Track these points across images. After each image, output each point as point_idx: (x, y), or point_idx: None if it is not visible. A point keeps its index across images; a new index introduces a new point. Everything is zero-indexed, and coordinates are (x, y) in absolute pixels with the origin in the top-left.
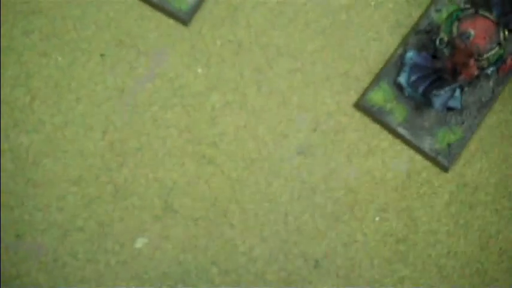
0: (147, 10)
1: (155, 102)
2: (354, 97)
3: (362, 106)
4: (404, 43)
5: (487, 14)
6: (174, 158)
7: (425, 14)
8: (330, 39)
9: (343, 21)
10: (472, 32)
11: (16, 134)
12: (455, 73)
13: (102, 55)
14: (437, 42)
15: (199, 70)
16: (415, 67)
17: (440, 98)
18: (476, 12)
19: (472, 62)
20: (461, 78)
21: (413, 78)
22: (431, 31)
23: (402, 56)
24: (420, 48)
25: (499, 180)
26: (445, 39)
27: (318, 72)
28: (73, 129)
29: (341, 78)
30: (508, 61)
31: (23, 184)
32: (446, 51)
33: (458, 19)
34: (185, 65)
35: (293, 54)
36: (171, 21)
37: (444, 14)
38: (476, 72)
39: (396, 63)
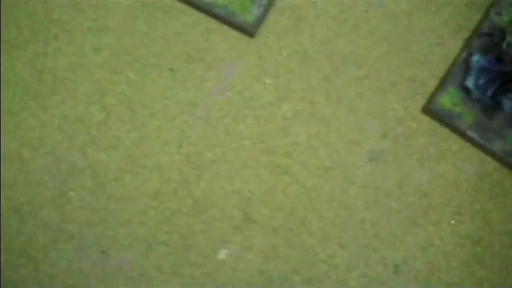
0: (213, 23)
1: (227, 115)
2: (421, 102)
3: (430, 110)
4: (467, 46)
5: None
6: (249, 168)
7: (486, 17)
8: (393, 44)
9: (405, 26)
10: None
11: (94, 151)
12: None
13: (171, 70)
14: (504, 45)
15: (268, 81)
16: (482, 70)
17: (511, 100)
18: None
19: None
20: None
21: (480, 81)
22: (493, 34)
23: (467, 60)
24: (484, 51)
25: None
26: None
27: (384, 78)
28: (149, 144)
29: (407, 83)
30: None
31: (104, 200)
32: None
33: None
34: (253, 76)
35: (358, 61)
36: (237, 34)
37: (505, 17)
38: None
39: (461, 67)
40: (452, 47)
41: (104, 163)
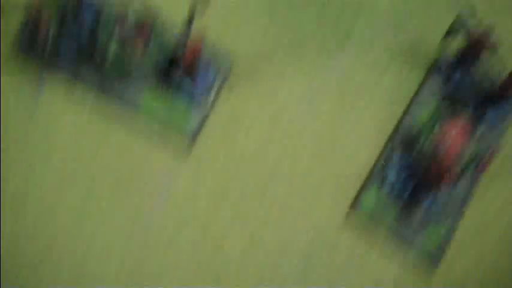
0: (151, 130)
1: (167, 227)
2: (348, 201)
3: (355, 210)
4: (389, 145)
5: (464, 114)
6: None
7: (406, 113)
8: (321, 144)
9: (332, 125)
10: (449, 138)
11: None
12: (437, 178)
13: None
14: (420, 146)
15: (205, 189)
16: (402, 168)
17: (426, 200)
18: (454, 113)
19: (449, 171)
20: (443, 185)
21: (401, 177)
22: (412, 131)
23: (389, 158)
24: (405, 149)
25: (482, 276)
26: (427, 143)
27: (314, 176)
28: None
29: (335, 180)
30: (485, 160)
31: None
32: (429, 152)
33: (438, 121)
34: (191, 186)
35: (289, 162)
36: (177, 141)
37: (424, 113)
38: (451, 180)
39: (383, 165)
40: (375, 145)
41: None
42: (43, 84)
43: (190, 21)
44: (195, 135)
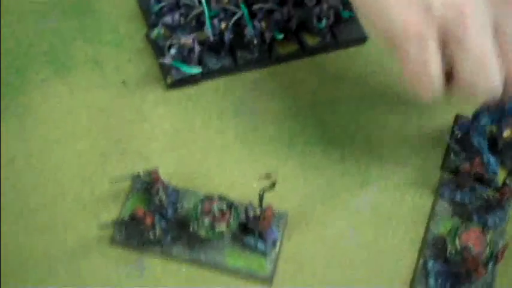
0: (239, 281)
1: None
2: None
3: None
4: (422, 255)
5: (474, 226)
6: None
7: (428, 229)
8: (368, 270)
9: (375, 251)
10: (471, 245)
11: None
12: (469, 275)
13: None
14: (448, 253)
15: None
16: (438, 273)
17: None
18: (467, 227)
19: (480, 267)
20: (475, 278)
21: (439, 282)
22: (437, 242)
23: (424, 267)
24: (436, 257)
25: None
26: (453, 251)
27: None
28: None
29: None
30: (499, 255)
31: None
32: (457, 259)
33: (457, 235)
34: None
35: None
36: (259, 286)
37: (441, 228)
38: (484, 273)
39: (422, 273)
40: (412, 257)
41: None
42: (144, 259)
43: (261, 199)
44: (271, 279)
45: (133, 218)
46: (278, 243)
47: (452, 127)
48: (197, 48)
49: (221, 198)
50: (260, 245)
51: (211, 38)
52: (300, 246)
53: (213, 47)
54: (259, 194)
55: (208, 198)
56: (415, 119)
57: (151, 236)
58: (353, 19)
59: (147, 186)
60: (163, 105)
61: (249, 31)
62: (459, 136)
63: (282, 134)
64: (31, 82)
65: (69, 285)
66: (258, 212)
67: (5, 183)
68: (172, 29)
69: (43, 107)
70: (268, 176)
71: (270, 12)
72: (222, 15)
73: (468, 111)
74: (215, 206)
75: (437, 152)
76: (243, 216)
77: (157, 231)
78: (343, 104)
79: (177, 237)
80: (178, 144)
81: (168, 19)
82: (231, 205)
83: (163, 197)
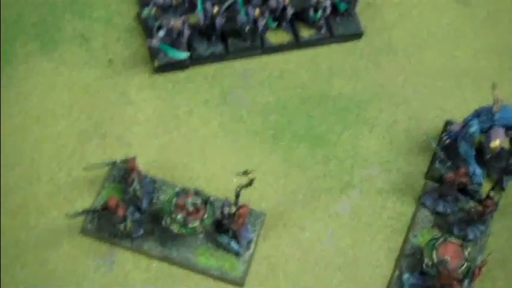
0: (211, 282)
1: None
2: None
3: None
4: (398, 266)
5: (453, 239)
6: None
7: (406, 239)
8: (345, 273)
9: (352, 256)
10: (448, 258)
11: None
12: None
13: None
14: (424, 266)
15: None
16: (412, 286)
17: None
18: (446, 239)
19: (455, 284)
20: None
21: None
22: (415, 254)
23: (400, 278)
24: (411, 269)
25: None
26: (430, 263)
27: None
28: None
29: None
30: (476, 271)
31: None
32: (433, 272)
33: (435, 248)
34: None
35: None
36: (231, 287)
37: (420, 238)
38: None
39: (396, 285)
40: (388, 267)
41: None
42: (115, 252)
43: (237, 197)
44: (243, 280)
45: (105, 208)
46: (253, 244)
47: (441, 133)
48: (187, 31)
49: (197, 192)
50: (234, 245)
51: (202, 22)
52: (275, 248)
53: (204, 32)
54: (236, 191)
55: (184, 192)
56: (404, 122)
57: (122, 229)
58: (350, 12)
59: (124, 174)
60: (149, 89)
61: (241, 17)
62: (446, 143)
63: (267, 127)
64: (17, 54)
65: (36, 274)
66: (233, 209)
67: None
68: (163, 9)
69: (26, 82)
70: (246, 172)
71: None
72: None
73: (460, 117)
74: (189, 201)
75: (423, 158)
76: (218, 212)
77: (128, 224)
78: (332, 100)
79: (150, 231)
80: (161, 131)
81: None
82: (206, 201)
83: (138, 188)
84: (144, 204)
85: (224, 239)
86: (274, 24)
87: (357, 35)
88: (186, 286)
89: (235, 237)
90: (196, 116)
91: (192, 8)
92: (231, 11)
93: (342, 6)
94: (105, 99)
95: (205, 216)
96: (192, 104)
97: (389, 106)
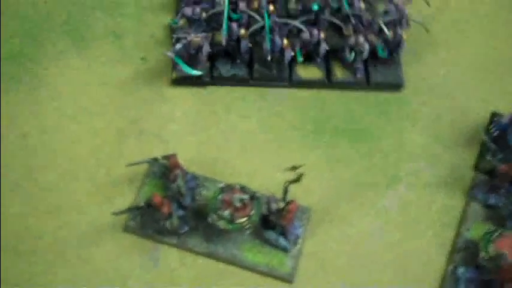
0: (258, 279)
1: None
2: None
3: None
4: (452, 260)
5: (509, 232)
6: None
7: (458, 233)
8: (395, 269)
9: (401, 252)
10: (506, 252)
11: None
12: (503, 285)
13: None
14: (480, 260)
15: None
16: (468, 281)
17: None
18: (501, 233)
19: None
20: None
21: None
22: (469, 248)
23: (454, 273)
24: (466, 263)
25: None
26: (486, 257)
27: None
28: None
29: None
30: None
31: None
32: (489, 266)
33: (491, 241)
34: None
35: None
36: (279, 283)
37: (473, 232)
38: None
39: (451, 280)
40: (440, 261)
41: None
42: (159, 249)
43: (285, 192)
44: (292, 277)
45: (149, 205)
46: (300, 240)
47: (488, 125)
48: (206, 48)
49: (242, 188)
50: (282, 241)
51: (225, 42)
52: (323, 244)
53: (228, 52)
54: (284, 187)
55: (229, 188)
56: (448, 115)
57: (168, 226)
58: (391, 61)
59: (165, 171)
60: (184, 86)
61: (266, 44)
62: (495, 135)
63: (308, 122)
64: (48, 53)
65: (79, 272)
66: (281, 205)
67: (16, 160)
68: (191, 21)
69: (59, 80)
70: (294, 167)
71: (299, 30)
72: (244, 20)
73: (504, 109)
74: (236, 197)
75: (470, 151)
76: (264, 209)
77: (175, 221)
78: (373, 95)
79: (194, 227)
80: (199, 128)
81: (188, 10)
82: (252, 196)
83: (181, 184)
84: (187, 201)
85: (271, 234)
86: (301, 59)
87: (396, 85)
88: (233, 283)
89: (283, 233)
90: (235, 112)
91: (219, 25)
92: (259, 35)
93: (383, 53)
94: (140, 96)
95: (253, 212)
96: (229, 101)
97: (432, 99)
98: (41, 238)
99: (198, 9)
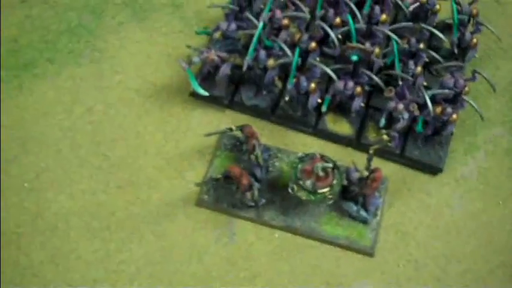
0: (339, 252)
1: None
2: None
3: None
4: None
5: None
6: None
7: None
8: (479, 238)
9: (484, 221)
10: None
11: None
12: None
13: None
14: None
15: None
16: None
17: None
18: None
19: None
20: None
21: None
22: None
23: None
24: None
25: None
26: None
27: (481, 269)
28: None
29: (502, 269)
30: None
31: None
32: None
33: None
34: None
35: (458, 257)
36: (360, 256)
37: None
38: None
39: None
40: None
41: None
42: (234, 223)
43: (370, 160)
44: (373, 250)
45: (227, 177)
46: (379, 211)
47: None
48: (225, 69)
49: (323, 157)
50: (362, 212)
51: (245, 67)
52: (401, 215)
53: (254, 80)
54: (369, 154)
55: (309, 157)
56: None
57: (248, 197)
58: (432, 141)
59: (236, 142)
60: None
61: (289, 84)
62: None
63: None
64: (107, 26)
65: (154, 248)
66: (365, 173)
67: (83, 135)
68: (225, 37)
69: (121, 53)
70: (388, 134)
71: (331, 79)
72: (275, 51)
73: None
74: (319, 165)
75: None
76: (344, 178)
77: (256, 192)
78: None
79: (270, 200)
80: None
81: (223, 25)
82: (334, 165)
83: (259, 154)
84: (261, 173)
85: (351, 206)
86: (324, 109)
87: (434, 168)
88: (313, 256)
89: (363, 204)
90: None
91: (247, 49)
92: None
93: (419, 128)
94: None
95: (335, 182)
96: None
97: (506, 63)
98: (114, 214)
99: (233, 26)
